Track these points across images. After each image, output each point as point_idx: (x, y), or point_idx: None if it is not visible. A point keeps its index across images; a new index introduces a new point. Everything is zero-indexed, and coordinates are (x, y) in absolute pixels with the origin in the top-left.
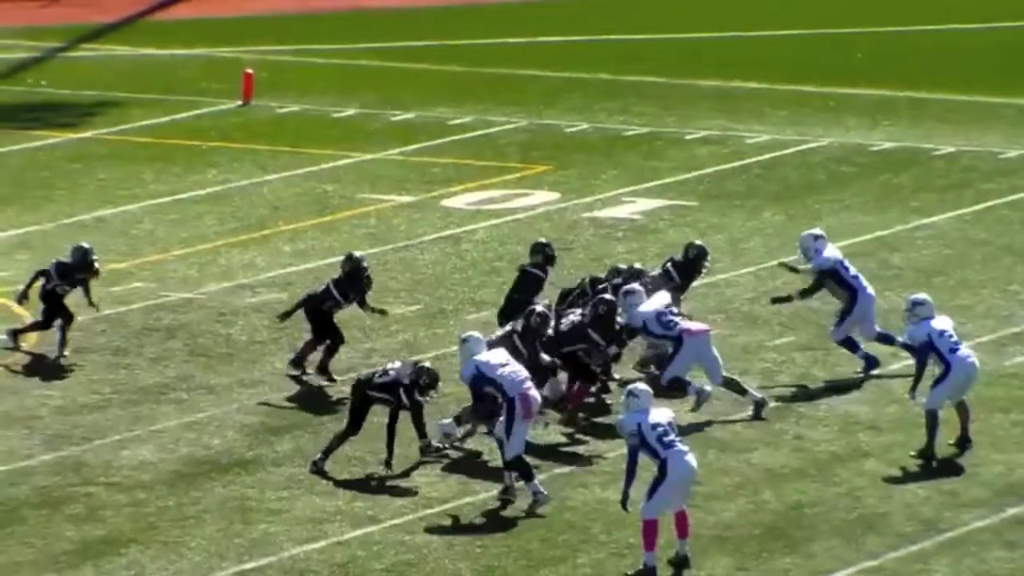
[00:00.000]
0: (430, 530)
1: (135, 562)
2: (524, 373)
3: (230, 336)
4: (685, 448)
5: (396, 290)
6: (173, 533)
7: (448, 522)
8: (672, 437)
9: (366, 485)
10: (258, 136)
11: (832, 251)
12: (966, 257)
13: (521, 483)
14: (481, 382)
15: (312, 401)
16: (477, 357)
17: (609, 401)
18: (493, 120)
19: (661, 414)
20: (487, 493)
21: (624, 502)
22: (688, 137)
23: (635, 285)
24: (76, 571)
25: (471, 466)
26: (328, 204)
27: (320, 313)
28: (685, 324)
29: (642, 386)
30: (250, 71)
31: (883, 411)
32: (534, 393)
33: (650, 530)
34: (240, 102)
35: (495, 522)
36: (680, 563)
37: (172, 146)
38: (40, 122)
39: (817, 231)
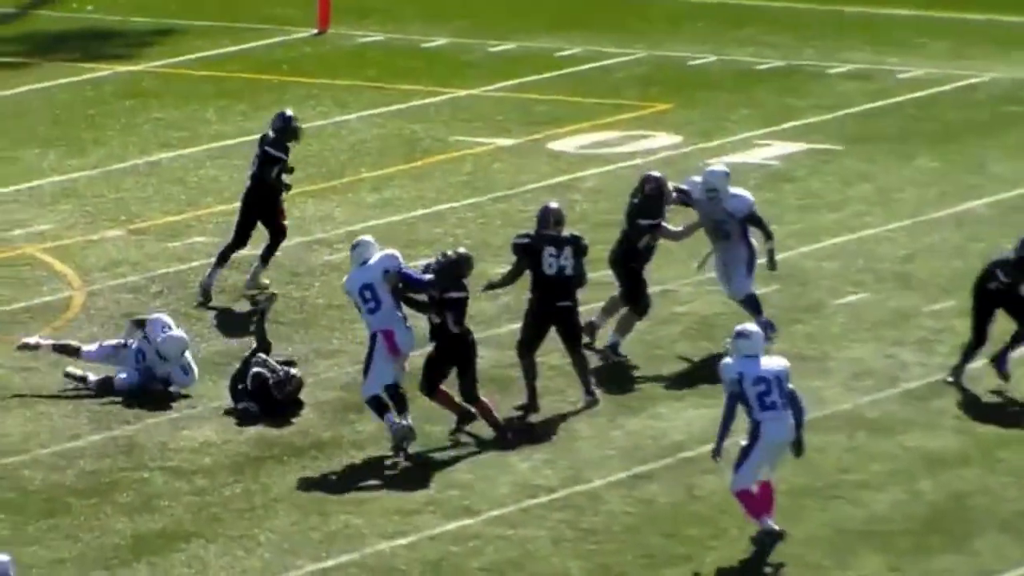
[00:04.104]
0: (535, 523)
1: (196, 558)
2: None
3: (305, 299)
4: (787, 412)
5: (496, 246)
6: (240, 526)
7: (557, 514)
8: (774, 397)
9: (461, 471)
10: (336, 69)
11: None
12: None
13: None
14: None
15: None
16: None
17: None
18: (606, 51)
19: (773, 363)
20: (601, 480)
21: (716, 452)
22: (831, 71)
23: None
24: (128, 569)
25: (583, 450)
26: (417, 147)
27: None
28: None
29: (752, 327)
30: None
31: None
32: (402, 332)
33: (747, 499)
34: (316, 30)
35: (611, 515)
36: (772, 539)
37: (238, 80)
38: (87, 53)
39: None
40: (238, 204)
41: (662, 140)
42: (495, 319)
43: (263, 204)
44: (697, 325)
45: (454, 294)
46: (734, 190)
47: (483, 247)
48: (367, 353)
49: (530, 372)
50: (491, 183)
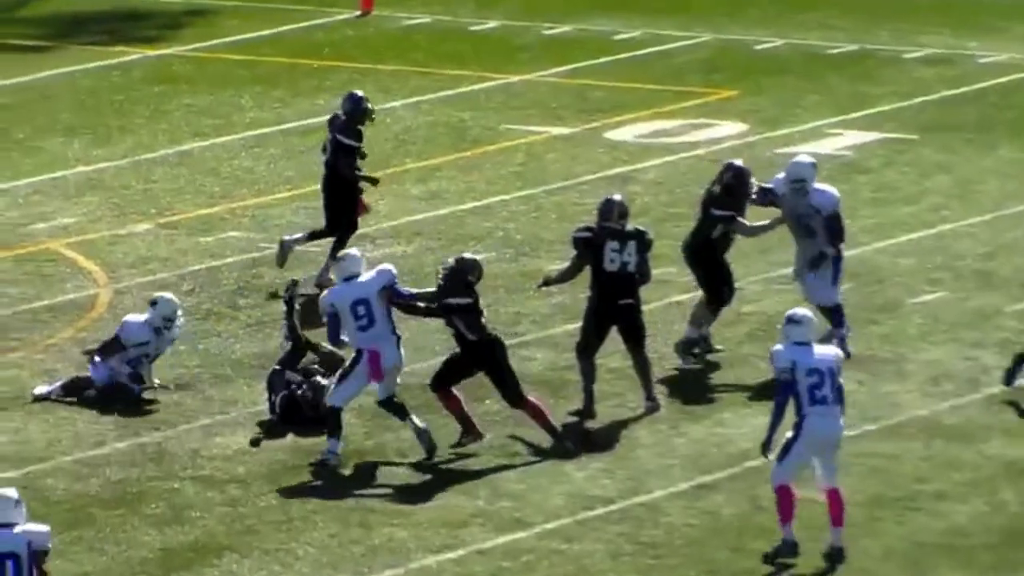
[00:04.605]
0: (592, 536)
1: (230, 573)
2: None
3: None
4: (836, 407)
5: (549, 241)
6: (276, 539)
7: (615, 527)
8: (825, 391)
9: (512, 481)
10: (381, 54)
11: None
12: None
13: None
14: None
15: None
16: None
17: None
18: (667, 35)
19: (826, 354)
20: (662, 491)
21: (766, 446)
22: (907, 56)
23: None
24: None
25: (643, 458)
26: (466, 136)
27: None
28: None
29: (804, 312)
30: None
31: None
32: (389, 353)
33: (783, 499)
34: (359, 12)
35: (672, 527)
36: (835, 556)
37: (275, 65)
38: (114, 36)
39: None
40: (275, 196)
41: (727, 129)
42: (549, 319)
43: (337, 194)
44: (765, 326)
45: (454, 300)
46: (820, 185)
47: (536, 242)
48: (348, 365)
49: (588, 375)
50: (545, 174)
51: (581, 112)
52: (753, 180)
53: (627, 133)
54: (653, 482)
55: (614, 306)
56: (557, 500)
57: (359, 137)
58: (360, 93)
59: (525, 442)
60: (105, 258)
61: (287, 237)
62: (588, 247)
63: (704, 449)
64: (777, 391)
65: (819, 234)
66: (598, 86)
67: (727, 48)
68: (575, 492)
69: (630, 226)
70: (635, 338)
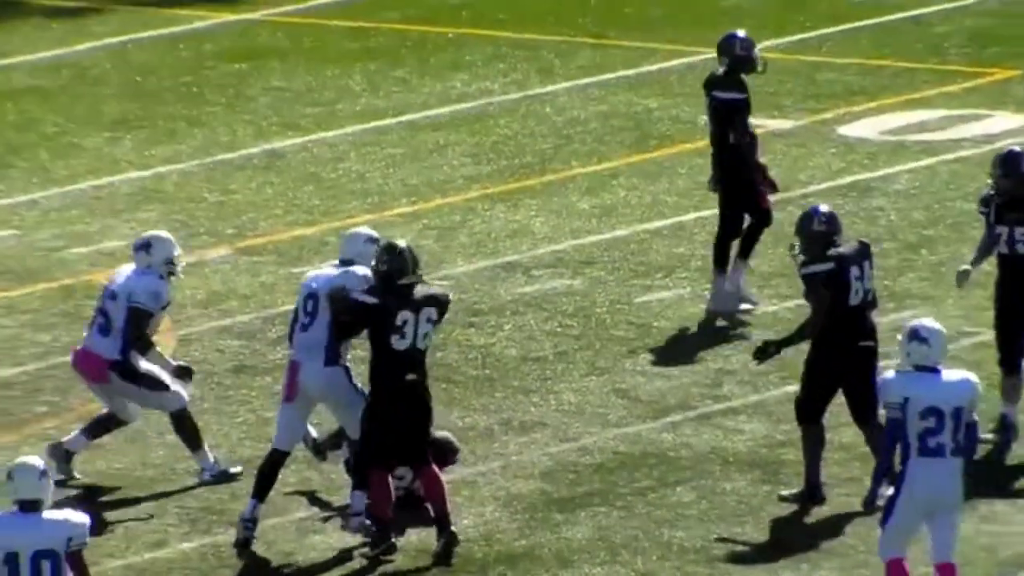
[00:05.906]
0: None
1: None
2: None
3: (489, 349)
4: (955, 460)
5: (764, 273)
6: None
7: None
8: (941, 439)
9: None
10: (537, 19)
11: None
12: None
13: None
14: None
15: (623, 453)
16: None
17: None
18: None
19: (955, 384)
20: None
21: (871, 501)
22: None
23: None
24: None
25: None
26: (652, 131)
27: None
28: None
29: (933, 325)
30: None
31: None
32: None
33: (896, 573)
34: None
35: None
36: None
37: (394, 34)
38: None
39: None
40: (393, 212)
41: (1003, 122)
42: (762, 378)
43: (730, 175)
44: None
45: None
46: None
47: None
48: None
49: (815, 445)
50: None
51: (806, 99)
52: None
53: (868, 128)
54: None
55: (854, 349)
56: None
57: (744, 89)
58: (741, 33)
59: (729, 541)
60: None
61: (727, 288)
62: (835, 283)
63: (970, 553)
64: (884, 432)
65: None
66: (830, 64)
67: (1006, 12)
68: None
69: (851, 240)
70: (865, 401)
